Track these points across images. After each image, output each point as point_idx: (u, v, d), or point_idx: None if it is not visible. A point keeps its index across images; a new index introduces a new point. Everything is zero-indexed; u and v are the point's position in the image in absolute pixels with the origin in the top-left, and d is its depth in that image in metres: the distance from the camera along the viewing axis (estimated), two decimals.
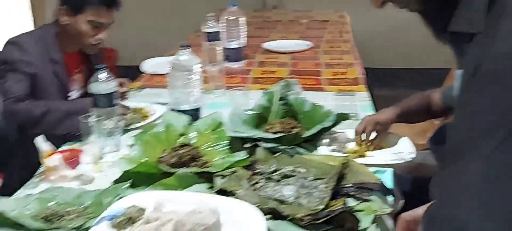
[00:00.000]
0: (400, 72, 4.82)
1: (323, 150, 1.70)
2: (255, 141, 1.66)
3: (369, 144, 1.69)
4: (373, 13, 4.35)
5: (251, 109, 1.89)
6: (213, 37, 2.58)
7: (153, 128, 1.75)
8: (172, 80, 1.85)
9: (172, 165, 1.54)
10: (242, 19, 2.77)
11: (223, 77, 2.37)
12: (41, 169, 1.58)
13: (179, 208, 1.13)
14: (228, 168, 1.50)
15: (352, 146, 1.72)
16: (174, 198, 1.22)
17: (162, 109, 2.01)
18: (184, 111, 1.83)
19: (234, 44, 2.75)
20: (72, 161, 1.57)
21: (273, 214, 1.28)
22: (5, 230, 1.24)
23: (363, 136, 1.71)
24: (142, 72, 2.68)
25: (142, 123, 1.94)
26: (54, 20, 2.14)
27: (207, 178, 1.47)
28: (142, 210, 1.16)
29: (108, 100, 1.71)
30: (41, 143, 1.59)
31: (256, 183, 1.45)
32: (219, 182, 1.44)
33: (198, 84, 1.85)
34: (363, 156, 1.66)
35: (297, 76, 2.41)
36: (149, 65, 2.74)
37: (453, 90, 1.34)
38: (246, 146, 1.66)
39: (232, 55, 2.75)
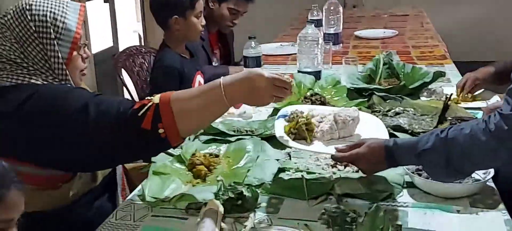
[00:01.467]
0: (474, 65, 5.16)
1: (424, 99, 2.18)
2: (369, 91, 2.16)
3: (466, 96, 2.14)
4: (449, 9, 4.67)
5: (361, 72, 2.38)
6: (317, 23, 3.11)
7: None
8: (300, 48, 2.38)
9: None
10: (340, 9, 3.27)
11: (329, 55, 2.87)
12: None
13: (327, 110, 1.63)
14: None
15: (445, 93, 2.18)
16: (317, 108, 1.71)
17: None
18: (309, 73, 2.35)
19: (333, 30, 3.26)
20: (238, 105, 2.12)
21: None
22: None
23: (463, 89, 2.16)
24: None
25: None
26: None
27: None
28: (301, 112, 1.64)
29: (257, 61, 2.26)
30: None
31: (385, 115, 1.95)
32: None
33: (319, 51, 2.37)
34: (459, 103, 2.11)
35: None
36: (263, 49, 3.29)
37: None
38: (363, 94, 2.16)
39: (332, 39, 3.25)
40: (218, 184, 1.44)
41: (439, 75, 2.23)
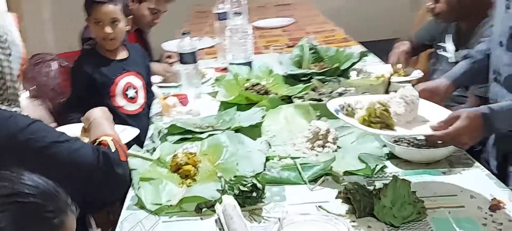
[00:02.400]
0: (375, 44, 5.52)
1: (355, 79, 2.33)
2: (308, 76, 2.25)
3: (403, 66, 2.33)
4: None
5: (289, 59, 2.46)
6: (223, 16, 3.15)
7: (224, 77, 2.30)
8: (231, 40, 2.40)
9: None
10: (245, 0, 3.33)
11: None
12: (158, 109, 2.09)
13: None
14: (299, 92, 2.08)
15: (375, 74, 2.36)
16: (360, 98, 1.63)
17: (211, 72, 2.56)
18: (242, 64, 2.39)
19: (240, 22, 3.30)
20: (183, 100, 2.09)
21: None
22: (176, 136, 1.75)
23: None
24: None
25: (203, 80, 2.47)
26: None
27: (287, 100, 2.05)
28: (348, 104, 1.54)
29: (192, 57, 2.24)
30: (157, 90, 2.10)
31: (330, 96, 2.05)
32: (297, 102, 2.02)
33: (250, 42, 2.41)
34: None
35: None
36: (170, 45, 3.23)
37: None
38: (302, 79, 2.25)
39: None
40: (219, 180, 1.43)
41: (363, 54, 2.39)
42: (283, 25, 3.66)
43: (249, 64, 2.41)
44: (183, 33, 2.24)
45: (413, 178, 1.44)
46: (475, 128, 1.30)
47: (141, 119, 2.21)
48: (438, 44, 2.41)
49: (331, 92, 2.09)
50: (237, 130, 1.76)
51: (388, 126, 1.38)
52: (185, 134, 1.77)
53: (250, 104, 2.02)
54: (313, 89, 2.13)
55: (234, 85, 2.25)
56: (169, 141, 1.73)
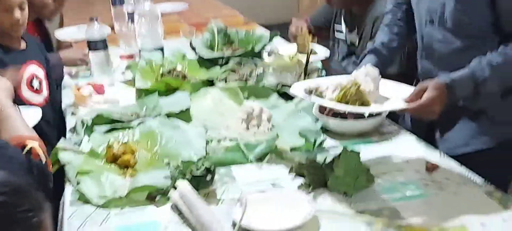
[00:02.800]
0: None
1: (268, 59, 2.37)
2: (225, 59, 2.25)
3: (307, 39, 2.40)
4: None
5: (201, 42, 2.44)
6: (119, 1, 3.03)
7: (138, 64, 2.22)
8: (140, 26, 2.32)
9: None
10: None
11: None
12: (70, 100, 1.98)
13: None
14: (221, 74, 2.07)
15: (285, 52, 2.41)
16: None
17: (117, 60, 2.47)
18: (154, 50, 2.32)
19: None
20: (100, 89, 1.99)
21: None
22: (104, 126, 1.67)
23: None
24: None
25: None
26: None
27: (208, 84, 2.03)
28: (317, 87, 1.50)
29: (103, 44, 2.13)
30: (68, 80, 1.98)
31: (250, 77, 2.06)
32: (221, 84, 2.01)
33: (160, 27, 2.35)
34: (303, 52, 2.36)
35: (202, 26, 3.01)
36: (65, 33, 3.04)
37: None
38: (219, 63, 2.24)
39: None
40: (164, 167, 1.39)
41: (275, 34, 2.44)
42: (178, 11, 3.61)
43: (161, 50, 2.35)
44: (91, 19, 2.12)
45: (350, 148, 1.51)
46: (442, 97, 1.36)
47: (45, 113, 2.06)
48: (335, 26, 2.52)
49: (251, 73, 2.11)
50: (167, 116, 1.72)
51: (364, 103, 1.42)
52: (113, 124, 1.69)
53: (170, 90, 1.98)
54: (234, 71, 2.13)
55: (148, 72, 2.18)
56: (98, 132, 1.64)
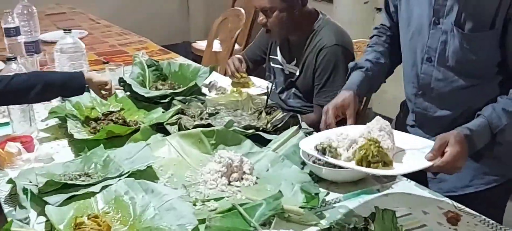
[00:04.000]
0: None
1: (211, 95, 2.16)
2: (165, 98, 1.99)
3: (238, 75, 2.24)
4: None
5: (132, 79, 2.15)
6: (14, 32, 2.65)
7: (64, 108, 1.89)
8: (61, 62, 1.98)
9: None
10: (35, 12, 2.83)
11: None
12: None
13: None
14: (170, 117, 1.82)
15: (228, 88, 2.22)
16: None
17: None
18: None
19: (31, 37, 2.80)
20: (29, 145, 1.64)
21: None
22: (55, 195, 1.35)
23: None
24: None
25: None
26: None
27: (158, 129, 1.77)
28: (329, 142, 1.36)
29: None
30: None
31: (201, 119, 1.83)
32: (173, 129, 1.77)
33: (85, 62, 2.03)
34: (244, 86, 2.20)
35: (113, 56, 2.72)
36: None
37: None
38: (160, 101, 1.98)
39: (33, 48, 2.79)
40: None
41: (213, 68, 2.23)
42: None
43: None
44: (9, 59, 1.76)
45: (355, 201, 1.37)
46: (464, 151, 1.28)
47: None
48: (270, 57, 2.40)
49: (201, 113, 1.89)
50: (130, 175, 1.44)
51: (386, 163, 1.26)
52: (66, 191, 1.37)
53: (113, 140, 1.70)
54: (182, 112, 1.88)
55: (77, 117, 1.86)
56: (52, 203, 1.32)
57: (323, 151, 1.31)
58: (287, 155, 1.55)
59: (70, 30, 1.97)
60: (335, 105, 1.55)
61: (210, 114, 1.89)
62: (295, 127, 1.65)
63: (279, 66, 2.34)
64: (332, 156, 1.31)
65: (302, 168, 1.51)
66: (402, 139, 1.37)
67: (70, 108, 1.88)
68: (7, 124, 1.84)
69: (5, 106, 1.90)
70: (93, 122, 1.83)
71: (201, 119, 1.85)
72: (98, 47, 3.04)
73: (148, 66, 2.23)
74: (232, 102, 2.00)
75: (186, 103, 1.97)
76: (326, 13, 2.26)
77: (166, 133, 1.74)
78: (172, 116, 1.82)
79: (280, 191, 1.31)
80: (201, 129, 1.67)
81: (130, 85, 2.03)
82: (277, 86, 2.34)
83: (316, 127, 1.72)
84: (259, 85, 2.27)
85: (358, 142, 1.32)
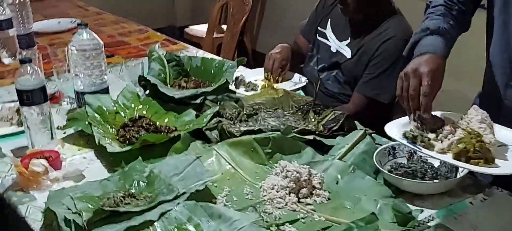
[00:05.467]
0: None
1: (240, 92, 1.96)
2: (199, 97, 1.78)
3: (276, 77, 2.03)
4: None
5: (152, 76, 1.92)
6: (6, 24, 2.40)
7: (83, 113, 1.67)
8: (77, 63, 1.75)
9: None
10: (27, 1, 2.56)
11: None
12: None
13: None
14: (209, 121, 1.62)
15: (258, 82, 2.02)
16: None
17: None
18: (97, 92, 1.77)
19: (24, 30, 2.53)
20: (55, 161, 1.42)
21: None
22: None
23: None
24: None
25: None
26: None
27: (194, 135, 1.57)
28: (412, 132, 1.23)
29: (42, 94, 1.54)
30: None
31: (241, 121, 1.64)
32: (213, 134, 1.57)
33: (103, 61, 1.80)
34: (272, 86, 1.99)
35: (116, 48, 2.50)
36: None
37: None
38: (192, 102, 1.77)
39: (26, 41, 2.53)
40: None
41: (241, 61, 2.02)
42: (69, 28, 2.97)
43: (106, 90, 1.81)
44: (23, 61, 1.52)
45: (450, 218, 1.22)
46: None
47: None
48: (319, 28, 2.20)
49: (239, 114, 1.69)
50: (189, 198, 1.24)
51: (488, 160, 1.11)
52: (119, 220, 1.17)
53: (145, 148, 1.50)
54: (220, 114, 1.68)
55: (102, 124, 1.65)
56: None
57: (413, 140, 1.15)
58: (356, 164, 1.37)
59: (86, 24, 1.74)
60: (431, 69, 1.26)
61: (249, 115, 1.70)
62: (360, 131, 1.47)
63: (327, 42, 2.15)
64: (424, 146, 1.14)
65: (375, 178, 1.34)
66: (504, 133, 1.21)
67: (92, 114, 1.66)
68: (21, 133, 1.61)
69: (18, 111, 1.69)
70: (121, 130, 1.62)
71: (240, 121, 1.66)
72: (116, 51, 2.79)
73: (168, 62, 2.01)
74: (269, 100, 1.80)
75: (220, 103, 1.77)
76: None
77: (204, 139, 1.55)
78: (210, 120, 1.62)
79: (373, 213, 1.13)
80: (254, 136, 1.48)
81: (154, 85, 1.81)
82: (318, 62, 2.15)
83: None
84: (292, 79, 2.08)
85: (455, 133, 1.15)
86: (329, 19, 2.16)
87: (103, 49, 1.77)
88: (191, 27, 4.22)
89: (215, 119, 1.63)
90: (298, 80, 2.07)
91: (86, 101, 1.70)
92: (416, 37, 1.38)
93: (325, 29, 2.14)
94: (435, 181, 1.29)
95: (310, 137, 1.48)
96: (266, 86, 1.99)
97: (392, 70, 1.93)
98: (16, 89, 1.51)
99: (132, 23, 3.07)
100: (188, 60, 2.05)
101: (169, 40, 2.70)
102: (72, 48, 1.73)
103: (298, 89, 1.99)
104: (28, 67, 1.52)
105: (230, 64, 2.00)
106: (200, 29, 4.17)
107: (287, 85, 2.01)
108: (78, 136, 1.65)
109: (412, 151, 1.40)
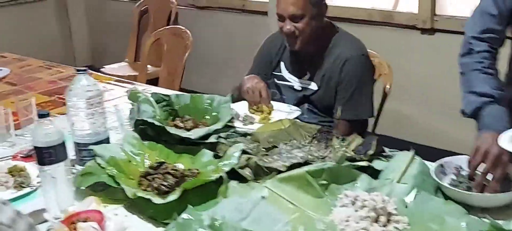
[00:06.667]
0: None
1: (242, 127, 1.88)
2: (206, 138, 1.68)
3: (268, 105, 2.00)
4: None
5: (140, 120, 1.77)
6: None
7: (95, 166, 1.50)
8: (75, 111, 1.56)
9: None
10: None
11: None
12: None
13: None
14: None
15: (253, 115, 1.96)
16: None
17: None
18: (98, 142, 1.59)
19: None
20: (102, 222, 1.25)
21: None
22: None
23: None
24: None
25: None
26: None
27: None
28: None
29: (63, 150, 1.36)
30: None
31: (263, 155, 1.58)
32: (247, 172, 1.50)
33: (105, 110, 1.63)
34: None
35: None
36: None
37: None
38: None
39: None
40: None
41: (233, 97, 1.95)
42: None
43: (108, 139, 1.64)
44: (42, 115, 1.33)
45: None
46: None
47: None
48: (274, 73, 2.21)
49: (269, 150, 1.63)
50: None
51: None
52: None
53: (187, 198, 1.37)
54: (245, 152, 1.59)
55: (119, 176, 1.48)
56: None
57: None
58: (418, 185, 1.37)
59: (85, 69, 1.56)
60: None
61: (268, 150, 1.64)
62: (410, 153, 1.48)
63: (288, 83, 2.16)
64: None
65: (446, 197, 1.35)
66: None
67: (106, 166, 1.49)
68: (28, 194, 1.40)
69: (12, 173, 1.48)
70: (143, 179, 1.47)
71: (263, 155, 1.60)
72: (36, 85, 2.53)
73: (157, 102, 1.88)
74: (277, 132, 1.74)
75: (233, 140, 1.69)
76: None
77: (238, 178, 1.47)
78: (239, 158, 1.54)
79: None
80: (305, 168, 1.42)
81: (162, 127, 1.67)
82: (286, 102, 2.14)
83: None
84: (283, 110, 2.04)
85: None
86: (282, 63, 2.18)
87: (102, 96, 1.61)
88: (107, 66, 4.02)
89: (244, 156, 1.55)
90: (289, 109, 2.04)
91: (96, 152, 1.52)
92: (478, 102, 1.50)
93: (281, 72, 2.16)
94: (505, 193, 1.33)
95: (364, 163, 1.46)
96: (263, 117, 1.94)
97: (362, 86, 2.03)
98: (35, 147, 1.31)
99: (60, 65, 2.85)
100: (176, 98, 1.93)
101: (119, 79, 2.54)
102: (72, 96, 1.55)
103: (296, 118, 1.96)
104: (47, 122, 1.33)
105: (222, 100, 1.92)
106: (115, 68, 4.03)
107: (282, 115, 1.97)
108: (93, 192, 1.46)
109: (459, 167, 1.44)
